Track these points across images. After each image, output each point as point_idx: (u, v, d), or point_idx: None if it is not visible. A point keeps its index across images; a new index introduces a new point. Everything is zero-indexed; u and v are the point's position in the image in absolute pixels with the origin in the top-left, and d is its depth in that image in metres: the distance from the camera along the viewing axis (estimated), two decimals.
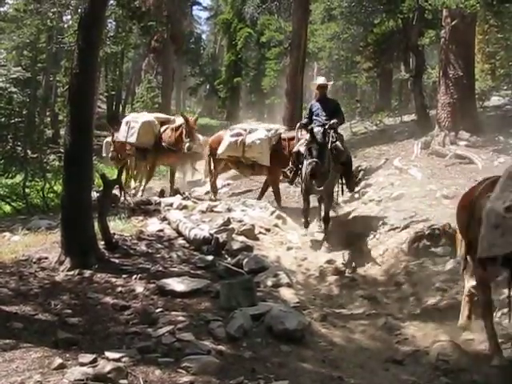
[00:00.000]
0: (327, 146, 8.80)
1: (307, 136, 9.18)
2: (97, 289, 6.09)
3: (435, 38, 19.78)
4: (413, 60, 21.86)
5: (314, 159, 8.52)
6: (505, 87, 21.92)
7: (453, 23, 14.59)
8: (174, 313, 5.48)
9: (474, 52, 15.92)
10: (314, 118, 9.71)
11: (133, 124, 13.33)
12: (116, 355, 4.26)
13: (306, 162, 8.77)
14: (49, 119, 29.85)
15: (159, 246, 7.94)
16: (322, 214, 9.45)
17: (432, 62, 25.36)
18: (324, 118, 9.52)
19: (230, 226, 8.75)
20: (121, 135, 13.81)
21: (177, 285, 6.13)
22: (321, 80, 10.41)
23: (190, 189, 13.99)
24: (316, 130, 8.86)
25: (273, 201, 11.18)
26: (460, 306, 6.10)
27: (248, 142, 11.15)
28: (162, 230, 8.66)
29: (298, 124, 10.12)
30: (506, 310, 5.94)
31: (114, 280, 6.35)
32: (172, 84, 36.28)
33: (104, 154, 16.48)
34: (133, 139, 13.21)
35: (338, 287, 7.36)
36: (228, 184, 15.29)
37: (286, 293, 6.56)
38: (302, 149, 9.24)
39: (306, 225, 9.49)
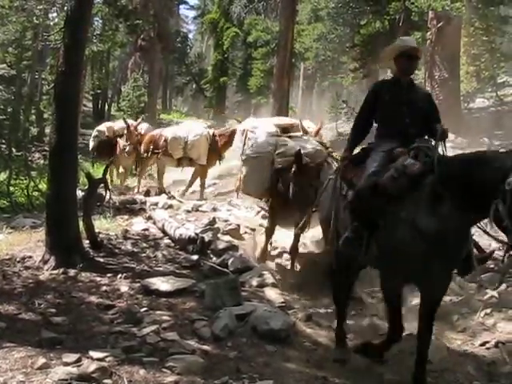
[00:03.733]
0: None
1: (378, 156, 4.89)
2: (81, 288, 6.06)
3: (421, 39, 19.90)
4: None
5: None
6: (489, 89, 22.12)
7: (439, 25, 14.78)
8: (158, 312, 5.47)
9: (459, 54, 16.11)
10: (384, 117, 5.14)
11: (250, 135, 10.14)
12: (100, 355, 4.24)
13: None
14: (34, 117, 29.62)
15: (144, 245, 7.93)
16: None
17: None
18: (407, 119, 5.01)
19: (216, 226, 8.74)
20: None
21: (162, 284, 6.11)
22: (409, 43, 5.30)
23: (175, 189, 13.94)
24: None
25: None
26: (443, 307, 6.15)
27: None
28: (147, 230, 8.64)
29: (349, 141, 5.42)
30: (489, 310, 6.02)
31: (98, 279, 6.33)
32: (158, 83, 36.22)
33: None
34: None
35: (323, 287, 7.36)
36: (214, 183, 15.28)
37: (271, 293, 6.56)
38: (392, 186, 4.51)
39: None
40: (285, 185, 7.40)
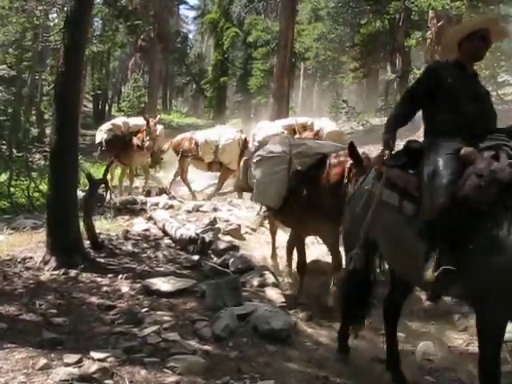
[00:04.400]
0: None
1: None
2: (82, 288, 6.05)
3: (421, 38, 19.92)
4: (399, 61, 22.05)
5: None
6: (490, 88, 22.08)
7: (439, 24, 14.77)
8: (159, 313, 5.46)
9: None
10: (444, 104, 4.12)
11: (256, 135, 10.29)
12: (101, 355, 4.24)
13: None
14: (34, 118, 29.64)
15: (145, 245, 7.92)
16: None
17: (418, 62, 25.53)
18: (472, 113, 4.03)
19: (216, 226, 8.72)
20: (251, 144, 10.84)
21: (162, 284, 6.10)
22: (482, 20, 4.57)
23: (175, 189, 13.93)
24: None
25: None
26: (445, 306, 6.13)
27: None
28: (147, 230, 8.63)
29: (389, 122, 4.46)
30: None
31: (99, 280, 6.32)
32: (159, 83, 36.24)
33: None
34: None
35: (324, 287, 7.35)
36: (214, 183, 15.25)
37: (272, 292, 6.55)
38: (481, 197, 3.59)
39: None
40: (310, 189, 6.29)
